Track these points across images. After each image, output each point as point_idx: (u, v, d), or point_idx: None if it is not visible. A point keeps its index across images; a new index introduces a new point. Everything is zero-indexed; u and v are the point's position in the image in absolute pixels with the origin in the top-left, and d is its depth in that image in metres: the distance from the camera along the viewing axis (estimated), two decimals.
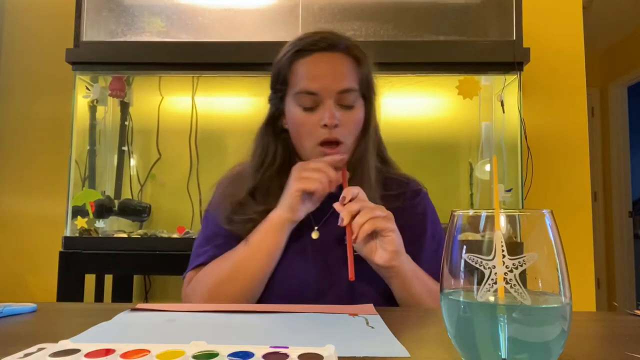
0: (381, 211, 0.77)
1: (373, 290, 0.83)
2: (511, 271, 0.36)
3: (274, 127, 0.93)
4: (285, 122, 0.91)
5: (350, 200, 0.78)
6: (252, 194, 0.89)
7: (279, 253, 0.83)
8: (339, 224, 0.77)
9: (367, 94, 0.90)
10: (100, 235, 1.67)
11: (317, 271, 0.84)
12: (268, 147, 0.92)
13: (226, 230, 0.88)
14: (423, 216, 0.92)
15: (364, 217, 0.75)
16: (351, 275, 0.72)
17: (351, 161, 0.89)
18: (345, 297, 0.82)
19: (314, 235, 0.87)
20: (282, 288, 0.83)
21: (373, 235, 0.76)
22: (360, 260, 0.78)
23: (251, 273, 0.81)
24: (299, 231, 0.85)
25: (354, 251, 0.77)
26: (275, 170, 0.90)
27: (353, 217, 0.76)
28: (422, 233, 0.90)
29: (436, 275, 0.76)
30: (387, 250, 0.75)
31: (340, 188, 0.83)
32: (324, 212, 0.87)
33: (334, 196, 0.82)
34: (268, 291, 0.83)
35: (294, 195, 0.80)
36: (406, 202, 0.91)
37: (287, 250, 0.84)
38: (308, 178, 0.80)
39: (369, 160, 0.89)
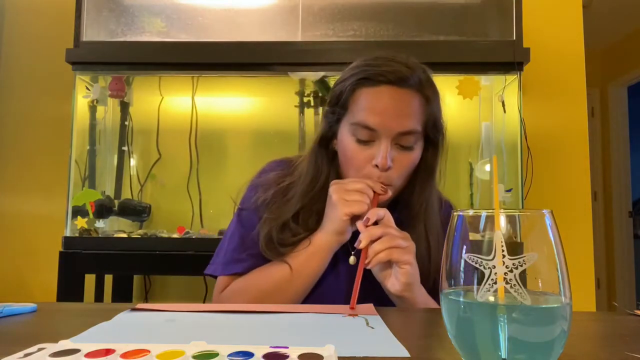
0: (403, 240, 0.75)
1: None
2: (511, 271, 0.36)
3: (327, 148, 0.88)
4: (336, 143, 0.87)
5: (374, 223, 0.76)
6: (297, 214, 0.85)
7: (320, 274, 0.82)
8: (355, 245, 0.75)
9: (433, 135, 0.85)
10: (100, 235, 1.67)
11: (349, 296, 0.83)
12: (321, 171, 0.87)
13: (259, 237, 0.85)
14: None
15: (383, 245, 0.73)
16: (352, 304, 0.69)
17: (414, 206, 0.86)
18: None
19: (351, 260, 0.83)
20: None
21: (390, 262, 0.75)
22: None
23: (292, 293, 0.80)
24: (335, 254, 0.83)
25: (370, 271, 0.76)
26: (319, 191, 0.86)
27: (373, 241, 0.74)
28: None
29: None
30: (399, 281, 0.74)
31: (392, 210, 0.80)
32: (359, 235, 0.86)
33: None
34: None
35: (343, 220, 0.78)
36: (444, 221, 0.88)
37: (323, 272, 0.83)
38: (354, 201, 0.77)
39: (433, 207, 0.85)
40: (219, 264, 0.88)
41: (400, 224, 0.81)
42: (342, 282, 0.84)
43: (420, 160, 0.85)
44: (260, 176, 0.94)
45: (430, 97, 0.83)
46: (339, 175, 0.88)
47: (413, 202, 0.86)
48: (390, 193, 0.81)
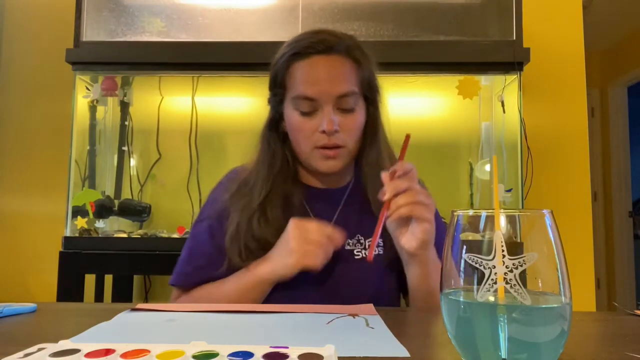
0: (425, 197, 0.73)
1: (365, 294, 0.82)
2: (511, 271, 0.36)
3: (277, 131, 0.91)
4: (284, 125, 0.89)
5: (400, 176, 0.75)
6: (264, 206, 0.85)
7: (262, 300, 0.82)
8: (379, 196, 0.74)
9: (371, 95, 0.88)
10: (100, 235, 1.67)
11: (320, 278, 0.82)
12: (276, 154, 0.89)
13: (210, 249, 0.86)
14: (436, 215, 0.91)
15: (406, 199, 0.72)
16: (370, 255, 0.71)
17: (364, 165, 0.87)
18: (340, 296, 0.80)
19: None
20: (281, 293, 0.82)
21: (408, 219, 0.74)
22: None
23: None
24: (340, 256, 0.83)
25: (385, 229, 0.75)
26: (282, 178, 0.87)
27: (396, 194, 0.73)
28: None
29: None
30: (416, 237, 0.73)
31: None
32: (331, 216, 0.87)
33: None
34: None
35: (294, 269, 0.76)
36: None
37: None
38: (312, 253, 0.76)
39: (384, 163, 0.86)
40: (174, 273, 0.89)
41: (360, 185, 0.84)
42: (358, 279, 0.85)
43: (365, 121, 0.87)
44: (217, 187, 0.95)
45: (360, 60, 0.85)
46: (293, 155, 0.89)
47: (362, 165, 0.88)
48: (341, 163, 0.84)
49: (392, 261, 0.85)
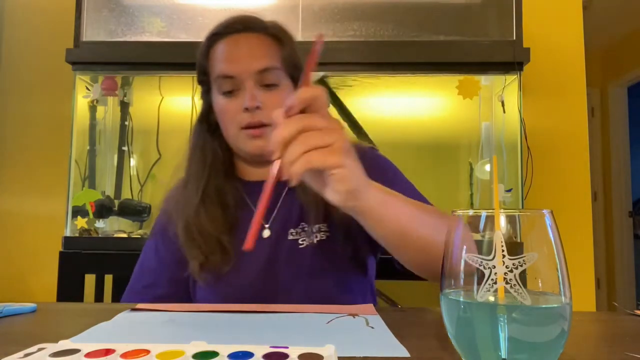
0: (326, 134, 0.53)
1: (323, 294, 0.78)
2: (511, 271, 0.36)
3: (208, 123, 0.88)
4: (215, 116, 0.86)
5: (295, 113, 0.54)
6: (203, 202, 0.81)
7: None
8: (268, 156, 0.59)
9: (297, 74, 0.83)
10: (100, 235, 1.67)
11: (265, 271, 0.80)
12: (204, 146, 0.86)
13: (167, 274, 0.84)
14: (381, 171, 0.79)
15: (297, 149, 0.52)
16: (248, 242, 0.52)
17: None
18: (295, 298, 0.76)
19: (265, 233, 0.82)
20: (227, 290, 0.80)
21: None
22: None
23: None
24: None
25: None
26: (223, 174, 0.84)
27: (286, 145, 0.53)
28: (391, 178, 0.82)
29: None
30: (336, 190, 0.56)
31: None
32: (273, 205, 0.83)
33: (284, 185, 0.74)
34: (213, 291, 0.80)
35: None
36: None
37: (237, 248, 0.78)
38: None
39: None
40: (126, 291, 0.86)
41: None
42: (259, 259, 0.81)
43: None
44: (166, 199, 0.92)
45: (281, 38, 0.84)
46: (227, 147, 0.86)
47: None
48: (268, 142, 0.57)
49: (343, 244, 0.80)
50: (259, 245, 0.78)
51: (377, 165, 0.82)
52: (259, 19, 0.85)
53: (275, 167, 0.54)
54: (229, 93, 0.81)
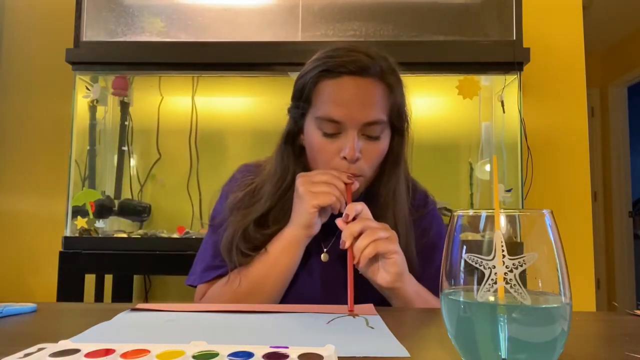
0: (384, 232, 0.73)
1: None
2: (511, 271, 0.36)
3: (293, 145, 0.87)
4: (303, 138, 0.86)
5: (353, 219, 0.74)
6: (267, 214, 0.84)
7: (294, 270, 0.81)
8: (340, 246, 0.73)
9: (398, 124, 0.84)
10: (100, 235, 1.67)
11: (324, 294, 0.82)
12: (288, 169, 0.86)
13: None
14: (431, 229, 0.89)
15: (366, 239, 0.71)
16: (350, 306, 0.67)
17: (382, 190, 0.85)
18: None
19: (324, 257, 0.85)
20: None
21: (376, 256, 0.73)
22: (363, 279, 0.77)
23: (268, 291, 0.80)
24: (307, 251, 0.82)
25: (356, 271, 0.73)
26: (287, 189, 0.85)
27: (356, 238, 0.72)
28: (433, 246, 0.87)
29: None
30: (389, 272, 0.73)
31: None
32: (332, 231, 0.83)
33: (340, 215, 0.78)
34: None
35: (310, 212, 0.76)
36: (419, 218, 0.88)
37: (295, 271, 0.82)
38: (321, 192, 0.76)
39: (401, 197, 0.84)
40: (197, 273, 0.87)
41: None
42: (316, 281, 0.84)
43: (387, 149, 0.84)
44: (230, 182, 0.94)
45: (393, 85, 0.82)
46: (307, 170, 0.85)
47: (381, 192, 0.85)
48: (358, 184, 0.79)
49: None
50: (316, 268, 0.84)
51: (430, 225, 0.91)
52: (375, 59, 0.80)
53: (349, 255, 0.73)
54: (330, 135, 0.79)
